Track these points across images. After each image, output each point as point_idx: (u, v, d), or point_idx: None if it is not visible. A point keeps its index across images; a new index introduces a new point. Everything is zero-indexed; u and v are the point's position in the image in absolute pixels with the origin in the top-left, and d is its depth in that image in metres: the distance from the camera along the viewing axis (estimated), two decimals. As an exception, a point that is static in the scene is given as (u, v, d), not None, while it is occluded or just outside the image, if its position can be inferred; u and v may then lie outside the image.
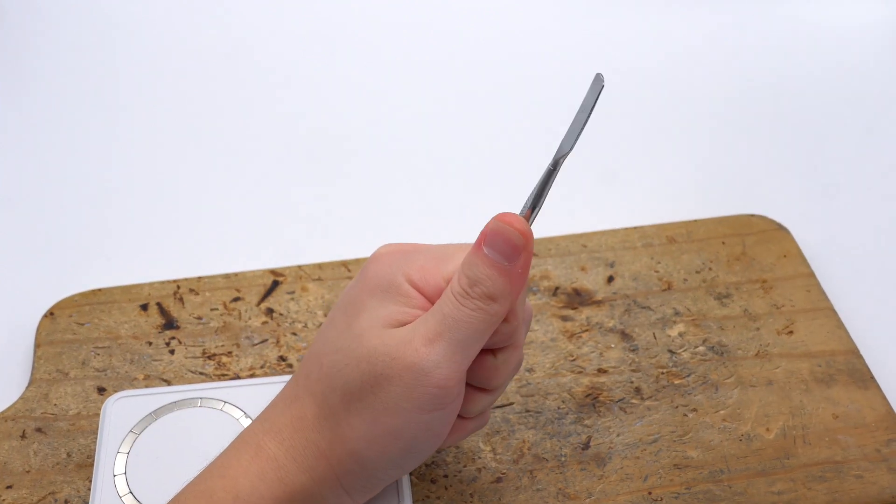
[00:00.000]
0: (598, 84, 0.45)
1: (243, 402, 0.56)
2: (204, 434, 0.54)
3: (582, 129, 0.45)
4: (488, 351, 0.46)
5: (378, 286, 0.45)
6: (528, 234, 0.44)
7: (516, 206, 0.72)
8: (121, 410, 0.56)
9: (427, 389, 0.43)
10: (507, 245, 0.43)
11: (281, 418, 0.46)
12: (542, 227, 0.69)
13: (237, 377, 0.59)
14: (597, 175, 0.75)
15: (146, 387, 0.59)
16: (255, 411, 0.50)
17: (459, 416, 0.47)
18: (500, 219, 0.44)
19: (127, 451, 0.54)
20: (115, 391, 0.58)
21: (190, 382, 0.59)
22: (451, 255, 0.46)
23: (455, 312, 0.43)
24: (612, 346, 0.62)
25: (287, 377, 0.57)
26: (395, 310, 0.44)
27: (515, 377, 0.60)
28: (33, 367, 0.60)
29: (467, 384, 0.46)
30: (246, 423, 0.54)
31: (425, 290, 0.45)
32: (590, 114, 0.45)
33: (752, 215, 0.70)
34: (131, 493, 0.52)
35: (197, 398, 0.56)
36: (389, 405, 0.43)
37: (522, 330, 0.47)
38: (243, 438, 0.46)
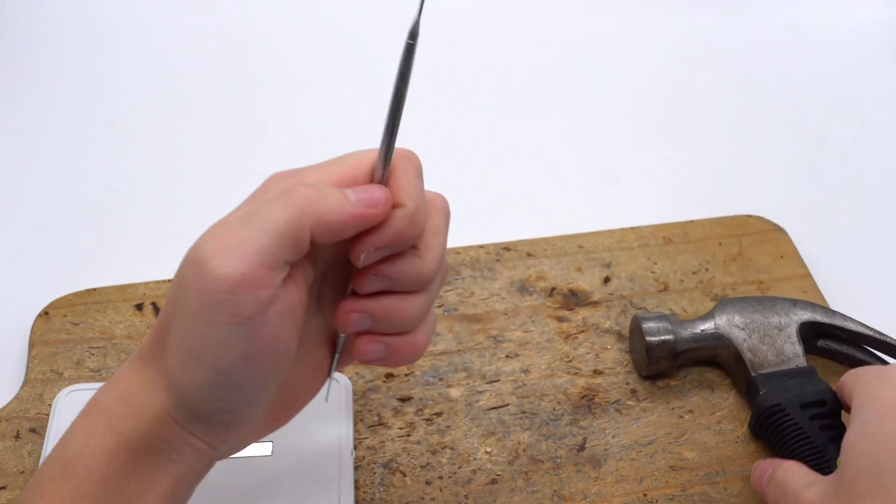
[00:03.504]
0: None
1: None
2: None
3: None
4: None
5: (254, 199, 0.42)
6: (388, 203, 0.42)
7: (511, 208, 0.73)
8: (73, 405, 0.54)
9: (215, 294, 0.38)
10: (370, 202, 0.42)
11: (123, 366, 0.42)
12: (539, 227, 0.69)
13: (232, 378, 0.59)
14: (593, 176, 0.75)
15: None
16: None
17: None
18: (373, 189, 0.42)
19: None
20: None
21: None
22: (345, 161, 0.44)
23: (261, 206, 0.40)
24: (608, 347, 0.61)
25: None
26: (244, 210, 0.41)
27: (511, 378, 0.59)
28: (28, 367, 0.60)
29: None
30: None
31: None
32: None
33: (749, 216, 0.70)
34: None
35: None
36: (188, 319, 0.39)
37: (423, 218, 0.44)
38: (87, 403, 0.42)
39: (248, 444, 0.44)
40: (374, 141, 0.78)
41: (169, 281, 0.64)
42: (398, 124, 0.43)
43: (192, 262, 0.39)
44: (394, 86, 0.43)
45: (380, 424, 0.57)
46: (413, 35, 0.42)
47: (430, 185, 0.75)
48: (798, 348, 0.58)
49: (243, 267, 0.38)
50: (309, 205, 0.40)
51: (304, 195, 0.40)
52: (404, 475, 0.55)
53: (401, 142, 0.79)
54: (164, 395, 0.40)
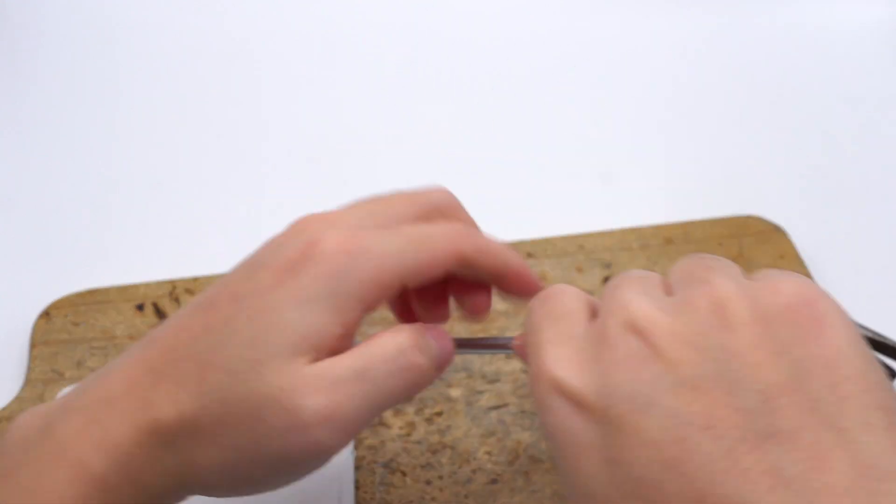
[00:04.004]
0: None
1: None
2: None
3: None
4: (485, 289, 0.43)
5: (317, 286, 0.37)
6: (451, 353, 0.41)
7: (510, 208, 0.73)
8: None
9: (305, 457, 0.36)
10: (442, 357, 0.41)
11: (120, 426, 0.36)
12: (539, 227, 0.69)
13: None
14: (593, 176, 0.75)
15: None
16: None
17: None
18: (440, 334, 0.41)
19: None
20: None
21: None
22: (424, 244, 0.40)
23: (376, 375, 0.37)
24: (609, 347, 0.61)
25: None
26: (321, 326, 0.36)
27: (511, 378, 0.59)
28: (28, 368, 0.60)
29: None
30: None
31: (371, 305, 0.38)
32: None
33: (749, 216, 0.70)
34: None
35: None
36: (256, 456, 0.36)
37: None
38: (56, 448, 0.36)
39: None
40: (374, 142, 0.78)
41: (170, 282, 0.64)
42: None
43: (288, 413, 0.35)
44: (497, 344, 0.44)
45: (380, 424, 0.57)
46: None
47: (428, 183, 0.76)
48: None
49: (346, 439, 0.36)
50: (421, 376, 0.39)
51: (420, 370, 0.38)
52: (404, 475, 0.55)
53: (401, 139, 0.79)
54: (181, 484, 0.37)
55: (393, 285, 0.38)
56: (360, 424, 0.36)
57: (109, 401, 0.36)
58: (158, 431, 0.36)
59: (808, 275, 0.66)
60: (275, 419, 0.35)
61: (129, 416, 0.36)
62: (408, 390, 0.38)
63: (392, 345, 0.37)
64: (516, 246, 0.67)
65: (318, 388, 0.35)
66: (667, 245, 0.68)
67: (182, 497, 0.38)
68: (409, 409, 0.58)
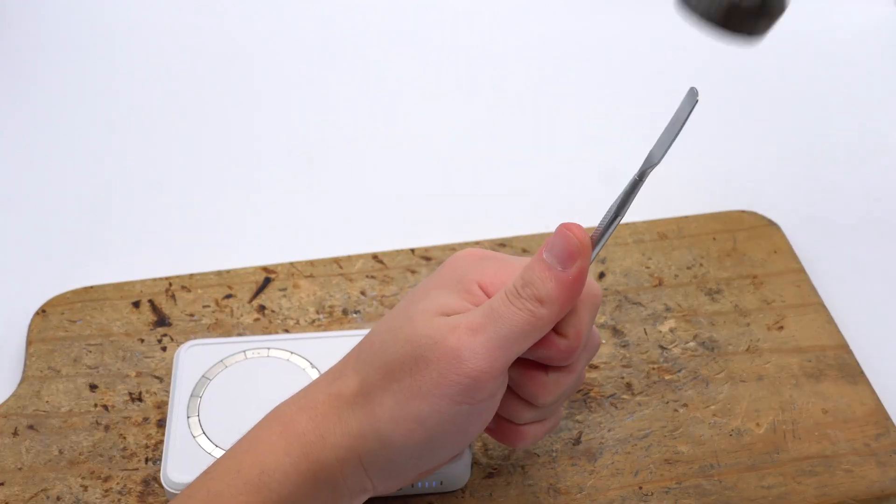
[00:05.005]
0: (692, 98, 0.45)
1: (309, 353, 0.57)
2: (272, 381, 0.56)
3: (672, 141, 0.46)
4: (542, 366, 0.47)
5: (447, 281, 0.47)
6: (584, 242, 0.45)
7: (509, 207, 0.73)
8: (193, 358, 0.57)
9: (460, 378, 0.43)
10: (564, 250, 0.45)
11: (319, 395, 0.46)
12: (534, 224, 0.69)
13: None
14: (588, 172, 0.76)
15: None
16: (320, 361, 0.51)
17: (504, 420, 0.49)
18: (563, 226, 0.45)
19: (200, 395, 0.55)
20: (107, 389, 0.59)
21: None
22: (525, 263, 0.47)
23: (502, 308, 0.44)
24: (604, 341, 0.62)
25: (351, 331, 0.59)
26: (454, 302, 0.46)
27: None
28: (25, 365, 0.60)
29: (516, 394, 0.48)
30: (312, 373, 0.56)
31: (491, 293, 0.46)
32: (682, 127, 0.46)
33: (743, 211, 0.70)
34: (204, 433, 0.53)
35: (265, 348, 0.57)
36: (422, 389, 0.44)
37: (583, 356, 0.48)
38: (276, 413, 0.46)
39: (396, 489, 0.49)
40: (373, 143, 0.78)
41: (166, 279, 0.65)
42: (606, 239, 0.48)
43: (440, 345, 0.44)
44: (614, 209, 0.48)
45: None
46: (642, 175, 0.48)
47: (426, 181, 0.76)
48: None
49: (490, 362, 0.43)
50: (536, 308, 0.44)
51: (543, 318, 0.44)
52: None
53: (401, 140, 0.79)
54: (361, 442, 0.45)
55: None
56: (500, 349, 0.44)
57: (315, 382, 0.47)
58: (343, 396, 0.45)
59: (800, 269, 0.66)
60: (429, 352, 0.44)
61: (325, 388, 0.46)
62: (533, 321, 0.44)
63: (510, 286, 0.45)
64: (512, 242, 0.68)
65: (459, 324, 0.44)
66: (661, 240, 0.68)
67: (356, 468, 0.45)
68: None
